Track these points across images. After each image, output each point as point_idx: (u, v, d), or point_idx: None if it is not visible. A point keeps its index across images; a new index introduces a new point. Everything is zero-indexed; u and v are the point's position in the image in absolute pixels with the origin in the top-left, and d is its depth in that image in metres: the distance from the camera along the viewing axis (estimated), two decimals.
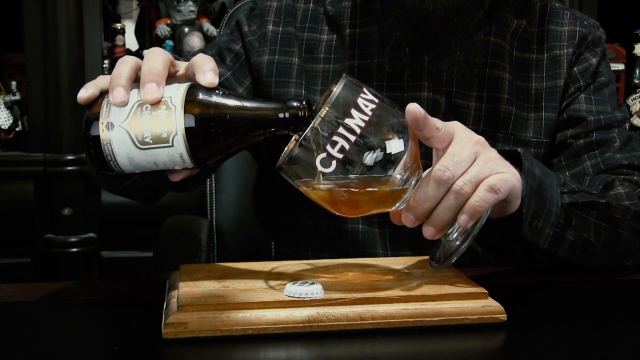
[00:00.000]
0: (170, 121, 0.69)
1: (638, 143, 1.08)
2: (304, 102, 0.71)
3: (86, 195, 2.16)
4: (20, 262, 2.15)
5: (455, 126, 0.77)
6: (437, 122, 0.74)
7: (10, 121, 2.18)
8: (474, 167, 0.75)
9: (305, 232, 1.09)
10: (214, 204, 1.53)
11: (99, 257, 2.20)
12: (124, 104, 0.70)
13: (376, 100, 0.71)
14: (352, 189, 0.71)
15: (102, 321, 0.77)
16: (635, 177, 1.01)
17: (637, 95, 2.17)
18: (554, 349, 0.69)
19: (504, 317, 0.74)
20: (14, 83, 2.21)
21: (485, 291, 0.76)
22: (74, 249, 2.13)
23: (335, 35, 1.08)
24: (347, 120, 0.69)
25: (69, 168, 2.11)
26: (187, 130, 0.69)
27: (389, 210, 0.76)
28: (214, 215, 1.53)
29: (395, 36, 1.01)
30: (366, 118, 0.69)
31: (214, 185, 1.53)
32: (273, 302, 0.72)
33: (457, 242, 0.78)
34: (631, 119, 2.16)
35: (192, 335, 0.69)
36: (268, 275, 0.81)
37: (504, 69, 1.06)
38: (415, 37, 1.00)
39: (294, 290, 0.73)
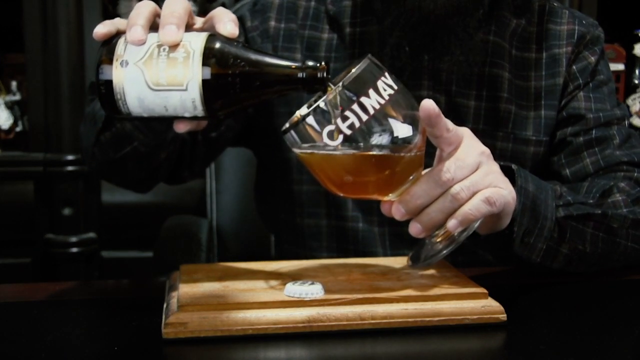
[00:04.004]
0: (187, 65, 0.68)
1: (638, 140, 1.08)
2: (322, 63, 0.71)
3: (86, 195, 2.16)
4: (20, 262, 2.15)
5: (465, 132, 0.78)
6: (449, 123, 0.75)
7: (10, 121, 2.18)
8: (475, 175, 0.76)
9: (305, 230, 1.09)
10: (214, 204, 1.53)
11: (99, 257, 2.20)
12: (141, 43, 0.70)
13: (395, 87, 0.71)
14: (357, 152, 0.71)
15: (102, 321, 0.77)
16: (636, 174, 1.01)
17: (637, 95, 2.17)
18: (554, 349, 0.69)
19: (503, 317, 0.74)
20: (14, 83, 2.21)
21: (485, 291, 0.76)
22: (74, 249, 2.13)
23: (335, 34, 1.08)
24: (363, 99, 0.69)
25: (69, 168, 2.11)
26: (204, 75, 0.68)
27: (382, 197, 0.76)
28: (214, 215, 1.53)
29: (396, 35, 1.01)
30: (382, 101, 0.70)
31: (214, 185, 1.53)
32: (273, 302, 0.72)
33: (440, 246, 0.78)
34: (631, 119, 2.16)
35: (192, 335, 0.69)
36: (268, 275, 0.81)
37: (503, 68, 1.06)
38: (416, 37, 1.00)
39: (294, 290, 0.73)
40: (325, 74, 0.70)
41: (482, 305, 0.74)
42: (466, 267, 0.89)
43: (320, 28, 1.09)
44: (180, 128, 0.74)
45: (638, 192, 0.98)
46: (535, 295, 0.87)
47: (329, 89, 0.71)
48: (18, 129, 2.21)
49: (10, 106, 2.19)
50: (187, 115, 0.71)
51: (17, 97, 2.21)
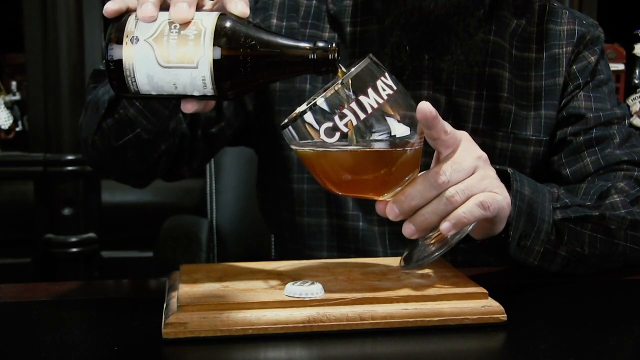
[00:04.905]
0: (198, 42, 0.68)
1: (638, 139, 1.08)
2: (333, 44, 0.71)
3: (86, 195, 2.16)
4: (20, 262, 2.15)
5: (463, 136, 0.78)
6: (447, 125, 0.75)
7: (10, 121, 2.18)
8: (470, 179, 0.76)
9: (306, 229, 1.09)
10: (214, 204, 1.53)
11: (99, 257, 2.20)
12: (152, 20, 0.69)
13: (395, 87, 0.72)
14: (353, 150, 0.71)
15: (102, 321, 0.77)
16: (636, 173, 1.02)
17: (637, 95, 2.17)
18: (554, 349, 0.69)
19: (504, 317, 0.74)
20: (14, 83, 2.21)
21: (485, 291, 0.76)
22: (74, 249, 2.13)
23: (336, 34, 1.08)
24: (362, 98, 0.69)
25: (69, 168, 2.11)
26: (215, 53, 0.68)
27: (378, 197, 0.76)
28: (214, 215, 1.53)
29: (396, 35, 1.01)
30: (380, 101, 0.70)
31: (214, 185, 1.53)
32: (273, 302, 0.72)
33: (433, 248, 0.78)
34: (631, 119, 2.16)
35: (192, 335, 0.69)
36: (268, 275, 0.81)
37: (503, 67, 1.06)
38: (416, 36, 1.00)
39: (294, 290, 0.73)
40: (336, 56, 0.71)
41: (482, 305, 0.74)
42: (466, 267, 0.88)
43: (321, 27, 1.09)
44: (188, 108, 0.74)
45: (638, 191, 0.98)
46: (535, 295, 0.87)
47: (340, 71, 0.71)
48: (18, 129, 2.21)
49: (10, 106, 2.18)
50: (196, 93, 0.71)
51: (17, 97, 2.21)
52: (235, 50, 0.69)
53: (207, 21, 0.69)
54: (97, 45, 2.15)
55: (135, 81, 0.71)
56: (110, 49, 0.71)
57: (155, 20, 0.70)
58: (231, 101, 1.05)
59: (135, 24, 0.70)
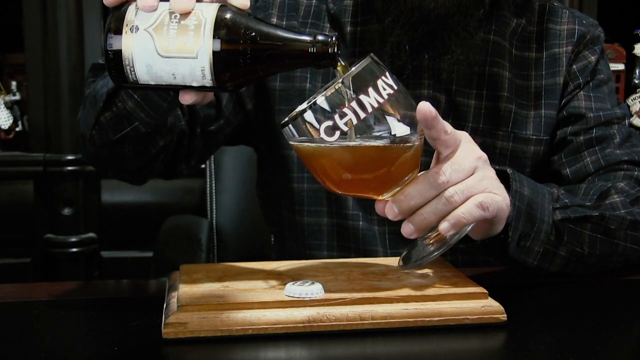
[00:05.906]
0: (198, 33, 0.68)
1: (638, 139, 1.08)
2: (334, 38, 0.71)
3: (86, 195, 2.16)
4: (20, 262, 2.15)
5: (463, 136, 0.78)
6: (447, 125, 0.75)
7: (10, 121, 2.18)
8: (470, 180, 0.76)
9: (306, 228, 1.09)
10: (214, 204, 1.53)
11: (99, 257, 2.20)
12: (152, 9, 0.69)
13: (395, 87, 0.72)
14: (353, 147, 0.71)
15: (102, 321, 0.77)
16: (636, 173, 1.02)
17: (637, 95, 2.17)
18: (554, 349, 0.69)
19: (504, 317, 0.74)
20: (14, 83, 2.21)
21: (485, 291, 0.76)
22: (74, 249, 2.14)
23: (336, 33, 1.08)
24: (362, 97, 0.70)
25: (69, 168, 2.11)
26: (215, 44, 0.68)
27: (377, 196, 0.76)
28: (214, 215, 1.53)
29: (396, 34, 1.01)
30: (381, 100, 0.70)
31: (214, 185, 1.53)
32: (273, 302, 0.72)
33: (432, 248, 0.78)
34: (631, 119, 2.16)
35: (192, 335, 0.69)
36: (268, 275, 0.81)
37: (503, 67, 1.06)
38: (416, 36, 1.00)
39: (294, 290, 0.73)
40: (336, 49, 0.70)
41: (482, 305, 0.74)
42: (466, 267, 0.88)
43: (321, 26, 1.09)
44: (186, 99, 0.73)
45: (638, 191, 0.98)
46: (535, 295, 0.87)
47: (339, 65, 0.71)
48: (18, 129, 2.21)
49: (10, 106, 2.19)
50: (194, 84, 0.71)
51: (17, 97, 2.21)
52: (235, 41, 0.69)
53: (208, 12, 0.69)
54: (97, 45, 2.15)
55: (134, 71, 0.71)
56: (110, 38, 0.70)
57: (156, 9, 0.70)
58: (230, 93, 1.04)
59: (136, 13, 0.70)
